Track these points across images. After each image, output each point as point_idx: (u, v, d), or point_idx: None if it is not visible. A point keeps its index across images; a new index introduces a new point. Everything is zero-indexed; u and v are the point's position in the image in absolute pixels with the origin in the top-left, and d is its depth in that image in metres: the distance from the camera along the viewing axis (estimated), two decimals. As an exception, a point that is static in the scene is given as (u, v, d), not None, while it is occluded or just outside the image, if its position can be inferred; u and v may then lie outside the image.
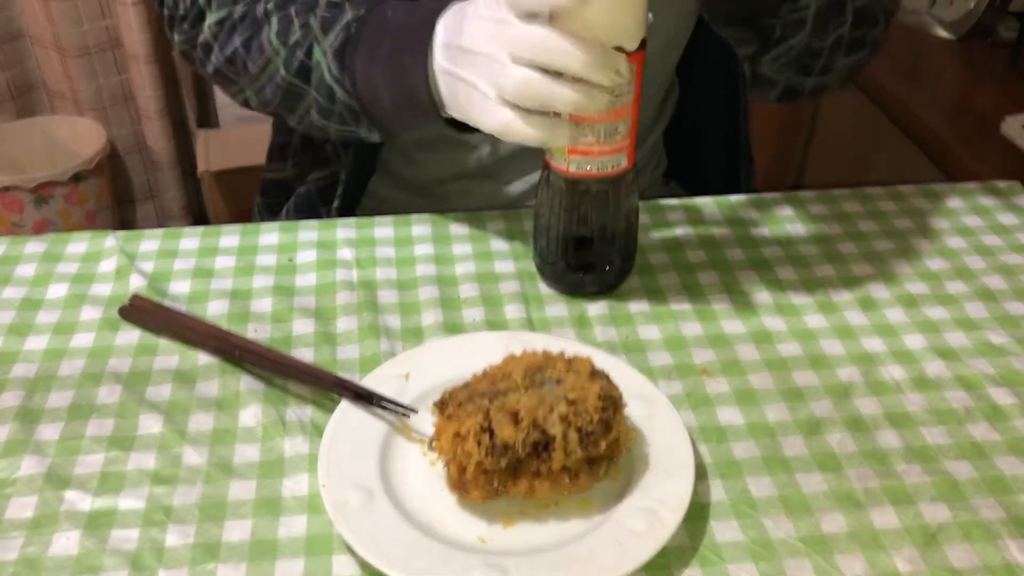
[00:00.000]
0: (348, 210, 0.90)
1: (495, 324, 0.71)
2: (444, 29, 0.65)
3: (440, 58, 0.65)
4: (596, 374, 0.57)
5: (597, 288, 0.74)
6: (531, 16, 0.58)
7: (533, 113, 0.61)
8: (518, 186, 0.92)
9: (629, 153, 0.67)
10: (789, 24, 0.69)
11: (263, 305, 0.72)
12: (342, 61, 0.72)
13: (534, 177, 0.91)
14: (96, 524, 0.55)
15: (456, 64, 0.63)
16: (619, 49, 0.59)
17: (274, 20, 0.75)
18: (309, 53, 0.73)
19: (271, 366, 0.65)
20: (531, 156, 0.90)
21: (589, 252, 0.71)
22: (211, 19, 0.79)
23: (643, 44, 0.61)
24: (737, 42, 0.74)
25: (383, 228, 0.81)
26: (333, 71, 0.72)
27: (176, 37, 0.83)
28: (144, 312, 0.70)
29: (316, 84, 0.74)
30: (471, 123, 0.64)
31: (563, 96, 0.59)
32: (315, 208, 0.92)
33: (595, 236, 0.71)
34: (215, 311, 0.72)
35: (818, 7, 0.68)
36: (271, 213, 0.99)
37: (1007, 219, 0.84)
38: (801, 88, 0.77)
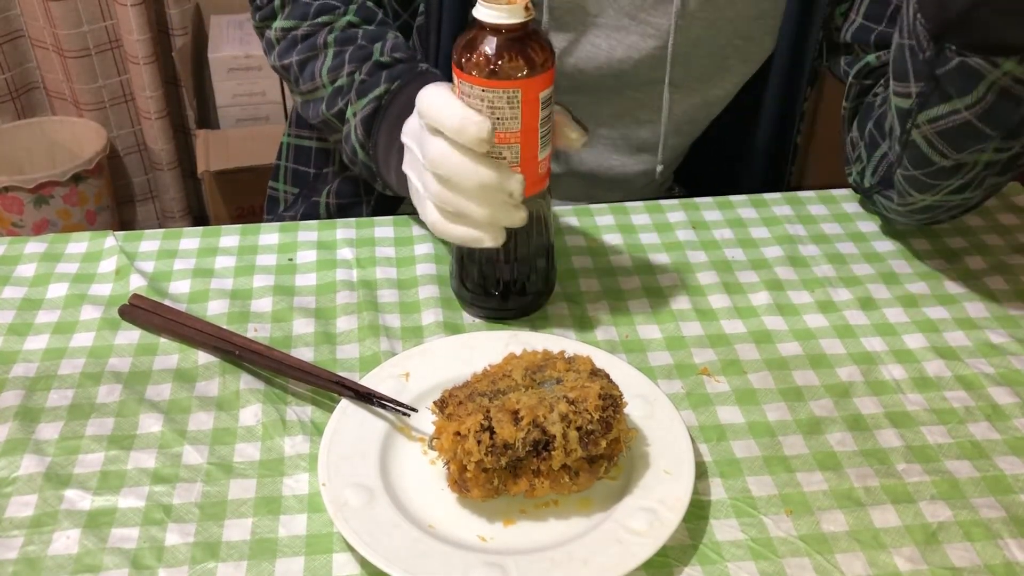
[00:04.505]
0: (390, 202, 0.92)
1: (495, 324, 0.71)
2: None
3: None
4: (596, 373, 0.57)
5: (500, 312, 0.71)
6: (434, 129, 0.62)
7: (455, 216, 0.64)
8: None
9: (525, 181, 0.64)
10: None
11: (263, 305, 0.72)
12: (368, 130, 0.76)
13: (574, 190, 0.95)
14: (96, 523, 0.55)
15: (403, 158, 0.68)
16: (510, 76, 0.60)
17: (330, 54, 0.80)
18: (347, 105, 0.78)
19: (271, 365, 0.65)
20: (574, 179, 0.94)
21: (492, 273, 0.69)
22: (279, 23, 0.84)
23: (543, 68, 0.61)
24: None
25: (383, 228, 0.81)
26: (359, 135, 0.76)
27: (253, 16, 0.88)
28: (144, 312, 0.70)
29: (345, 135, 0.79)
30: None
31: (473, 211, 0.63)
32: (357, 194, 0.93)
33: (497, 258, 0.69)
34: (215, 311, 0.72)
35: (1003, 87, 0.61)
36: (296, 180, 0.99)
37: (1006, 219, 0.84)
38: (947, 205, 0.73)
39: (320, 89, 0.80)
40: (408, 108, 0.73)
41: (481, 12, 0.60)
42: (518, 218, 0.63)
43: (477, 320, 0.71)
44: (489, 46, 0.60)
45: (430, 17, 0.83)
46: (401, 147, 0.72)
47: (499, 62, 0.60)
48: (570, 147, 0.66)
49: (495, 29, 0.60)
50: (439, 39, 0.84)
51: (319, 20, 0.81)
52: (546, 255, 0.70)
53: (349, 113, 0.77)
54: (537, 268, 0.69)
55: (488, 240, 0.64)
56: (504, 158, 0.63)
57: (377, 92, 0.75)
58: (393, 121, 0.74)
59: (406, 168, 0.68)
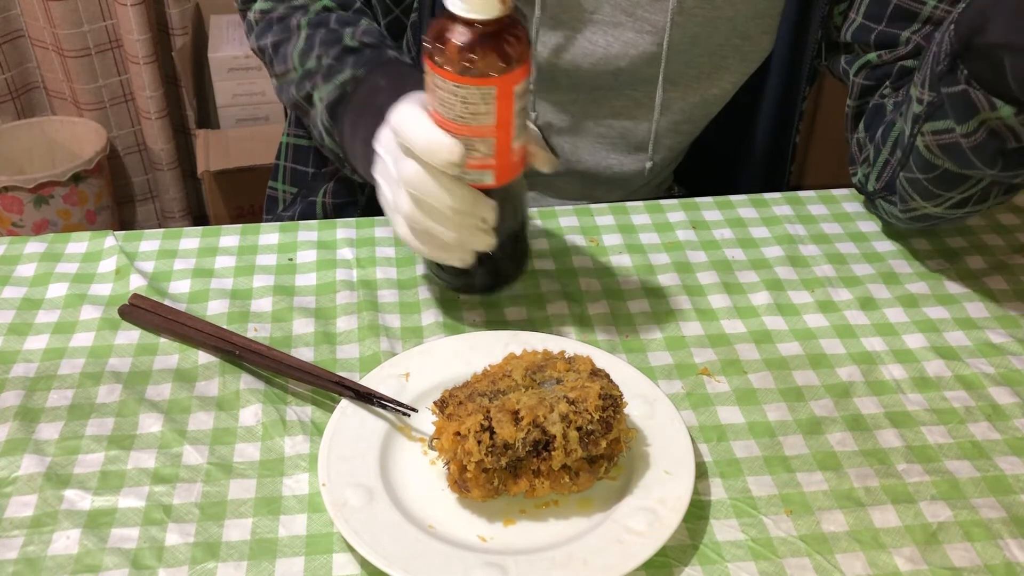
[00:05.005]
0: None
1: (495, 324, 0.71)
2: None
3: None
4: (596, 373, 0.57)
5: (472, 287, 0.71)
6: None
7: (425, 234, 0.63)
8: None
9: (497, 173, 0.62)
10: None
11: (263, 305, 0.72)
12: (334, 115, 0.75)
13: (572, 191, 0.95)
14: (96, 523, 0.55)
15: (373, 163, 0.67)
16: (484, 73, 0.57)
17: (302, 36, 0.80)
18: (314, 89, 0.78)
19: (271, 365, 0.65)
20: (572, 179, 0.93)
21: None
22: (258, 5, 0.84)
23: (518, 63, 0.58)
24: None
25: (383, 228, 0.81)
26: (325, 120, 0.76)
27: None
28: (144, 312, 0.70)
29: (313, 119, 0.79)
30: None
31: (443, 233, 0.62)
32: (352, 194, 0.93)
33: None
34: (215, 311, 0.72)
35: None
36: (295, 179, 1.00)
37: (1006, 219, 0.84)
38: (940, 215, 0.73)
39: (292, 72, 0.80)
40: (372, 95, 0.72)
41: (455, 5, 0.57)
42: (487, 243, 0.64)
43: (477, 320, 0.71)
44: (462, 40, 0.57)
45: (423, 12, 0.83)
46: (365, 134, 0.71)
47: (473, 57, 0.57)
48: (539, 169, 0.67)
49: (468, 22, 0.57)
50: None
51: (296, 3, 0.82)
52: (519, 232, 0.69)
53: (316, 97, 0.77)
54: (511, 245, 0.68)
55: (455, 260, 0.64)
56: (479, 151, 0.60)
57: (342, 78, 0.75)
58: (358, 108, 0.73)
59: (376, 175, 0.67)
